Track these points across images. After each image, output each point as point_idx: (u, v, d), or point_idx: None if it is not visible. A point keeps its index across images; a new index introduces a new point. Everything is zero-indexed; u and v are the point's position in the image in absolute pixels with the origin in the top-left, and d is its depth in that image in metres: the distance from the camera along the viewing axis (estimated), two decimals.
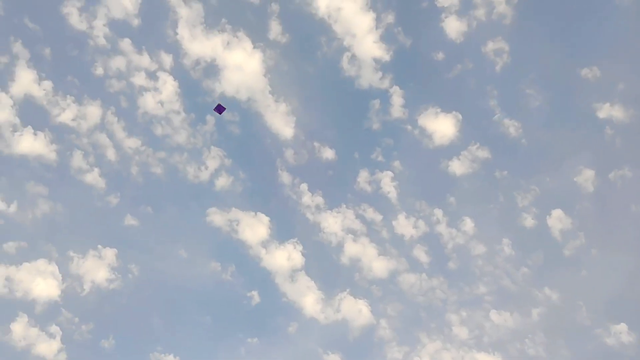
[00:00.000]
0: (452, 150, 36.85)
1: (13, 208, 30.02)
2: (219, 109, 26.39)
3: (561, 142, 36.66)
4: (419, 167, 37.52)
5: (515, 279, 34.66)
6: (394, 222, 35.68)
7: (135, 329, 30.99)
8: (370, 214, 35.82)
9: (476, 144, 36.73)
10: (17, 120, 31.29)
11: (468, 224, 35.71)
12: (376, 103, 37.38)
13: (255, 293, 32.87)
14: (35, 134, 31.59)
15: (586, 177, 35.43)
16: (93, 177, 32.38)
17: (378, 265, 34.55)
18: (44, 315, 28.94)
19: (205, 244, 34.05)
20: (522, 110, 37.21)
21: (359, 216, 35.66)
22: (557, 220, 35.30)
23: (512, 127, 36.51)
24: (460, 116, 37.02)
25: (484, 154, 36.66)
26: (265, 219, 34.36)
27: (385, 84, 37.33)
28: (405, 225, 35.64)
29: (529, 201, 35.99)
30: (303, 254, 34.07)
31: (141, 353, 29.97)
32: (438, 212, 36.08)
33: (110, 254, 31.26)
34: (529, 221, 35.60)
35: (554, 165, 36.78)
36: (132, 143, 33.85)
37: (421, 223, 35.77)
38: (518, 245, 35.45)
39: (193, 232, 34.12)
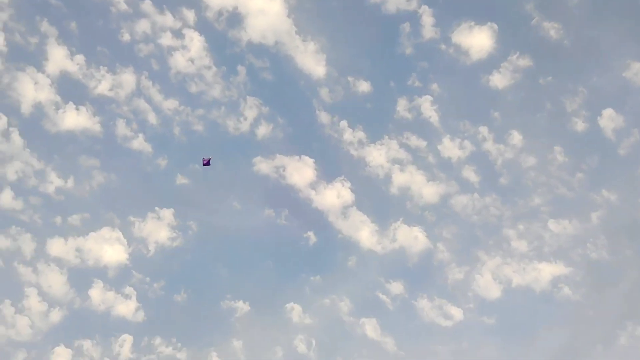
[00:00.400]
0: (491, 63, 35.68)
1: (70, 183, 31.35)
2: (205, 161, 26.98)
3: (606, 38, 34.82)
4: (458, 87, 36.62)
5: (571, 186, 34.03)
6: (439, 147, 35.29)
7: (203, 280, 32.46)
8: (414, 141, 35.49)
9: (516, 53, 35.38)
10: (58, 98, 32.17)
11: (516, 137, 34.94)
12: (406, 27, 36.27)
13: (311, 234, 33.61)
14: (77, 109, 32.46)
15: (636, 71, 33.73)
16: (139, 143, 33.25)
17: (428, 191, 34.52)
18: (117, 279, 30.65)
19: (256, 193, 34.84)
20: (561, 10, 35.37)
21: (402, 145, 35.44)
22: (609, 119, 34.05)
23: (552, 29, 34.84)
24: (495, 26, 35.56)
25: (525, 62, 35.32)
26: (309, 161, 34.66)
27: (413, 5, 36.05)
28: (451, 148, 35.20)
29: (578, 104, 34.77)
30: (352, 190, 34.38)
31: (212, 302, 31.49)
32: (483, 130, 35.40)
33: (168, 214, 32.43)
34: (579, 125, 34.51)
35: (601, 63, 35.16)
36: (170, 104, 34.36)
37: (467, 143, 35.23)
38: (570, 151, 34.59)
39: (242, 183, 34.87)
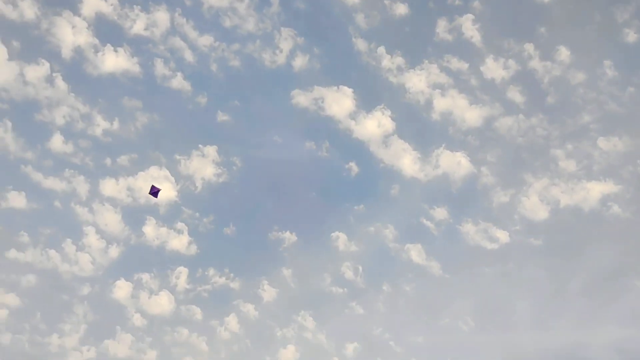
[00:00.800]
0: None
1: (116, 125, 32.11)
2: (154, 191, 26.27)
3: None
4: (500, 2, 34.90)
5: (622, 101, 32.60)
6: (481, 68, 34.14)
7: (250, 213, 33.40)
8: (455, 64, 34.40)
9: None
10: (96, 41, 32.44)
11: (563, 53, 33.36)
12: None
13: (352, 164, 33.72)
14: (115, 51, 32.72)
15: None
16: (178, 82, 33.47)
17: (471, 115, 33.76)
18: (168, 215, 31.85)
19: (296, 126, 34.89)
20: None
21: (443, 69, 34.41)
22: None
23: None
24: None
25: None
26: (348, 91, 34.19)
27: None
28: (494, 69, 33.98)
29: (630, 14, 32.72)
30: (392, 119, 33.96)
31: (261, 234, 32.48)
32: (529, 47, 33.89)
33: (211, 151, 33.02)
34: (631, 36, 32.60)
35: None
36: (205, 41, 34.19)
37: (511, 62, 33.91)
38: (621, 65, 32.90)
39: (282, 117, 34.94)
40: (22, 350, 26.73)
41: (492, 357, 28.88)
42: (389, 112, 33.85)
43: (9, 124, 29.69)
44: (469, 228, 32.00)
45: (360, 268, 31.38)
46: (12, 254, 28.13)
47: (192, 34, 34.01)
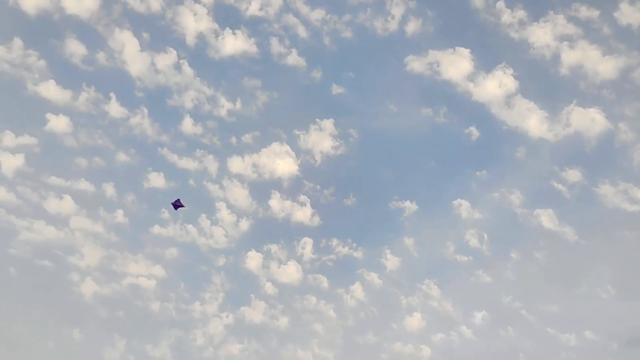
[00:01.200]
0: None
1: (238, 105, 33.69)
2: (177, 204, 25.55)
3: None
4: None
5: None
6: (615, 14, 30.99)
7: (369, 184, 33.65)
8: (584, 12, 31.53)
9: None
10: (215, 26, 34.00)
11: None
12: None
13: (473, 128, 32.50)
14: (234, 33, 34.09)
15: None
16: (293, 58, 34.18)
17: (605, 67, 30.89)
18: (291, 189, 33.03)
19: (411, 93, 34.23)
20: None
21: (571, 19, 31.69)
22: None
23: None
24: None
25: None
26: (465, 52, 32.76)
27: None
28: (630, 13, 30.71)
29: None
30: (515, 77, 32.06)
31: (380, 204, 32.64)
32: None
33: (328, 124, 33.50)
34: None
35: None
36: (317, 15, 34.44)
37: None
38: None
39: (397, 85, 34.39)
40: (170, 316, 29.54)
41: (636, 326, 26.86)
42: (510, 71, 32.05)
43: (145, 110, 32.37)
44: (606, 190, 29.69)
45: (486, 236, 30.47)
46: (156, 229, 30.96)
47: (304, 9, 34.47)
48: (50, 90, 30.38)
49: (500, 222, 30.94)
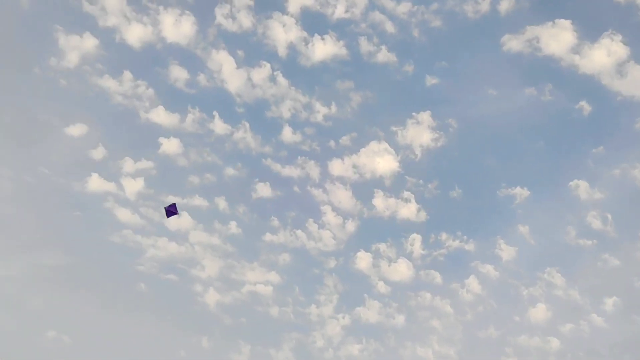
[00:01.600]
0: None
1: (333, 108, 34.06)
2: (171, 210, 24.24)
3: None
4: None
5: None
6: None
7: (475, 173, 32.63)
8: None
9: None
10: (304, 34, 34.65)
11: None
12: None
13: (583, 103, 30.46)
14: (322, 39, 34.50)
15: None
16: (383, 55, 33.94)
17: None
18: (394, 186, 32.82)
19: (511, 74, 32.76)
20: None
21: None
22: None
23: None
24: None
25: None
26: (566, 23, 30.78)
27: None
28: None
29: None
30: (624, 43, 29.66)
31: (489, 193, 31.53)
32: None
33: (425, 117, 32.91)
34: None
35: None
36: (403, 8, 34.01)
37: None
38: None
39: (494, 68, 33.08)
40: (289, 320, 30.44)
41: None
42: (619, 37, 29.70)
43: (247, 124, 33.65)
44: None
45: (610, 216, 28.41)
46: (268, 237, 32.06)
47: (390, 4, 34.16)
48: (160, 115, 32.56)
49: (625, 201, 28.79)
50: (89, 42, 31.65)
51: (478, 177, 32.39)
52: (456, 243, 30.62)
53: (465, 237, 30.56)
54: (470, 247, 30.43)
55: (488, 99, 32.40)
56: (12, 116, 30.68)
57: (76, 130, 30.94)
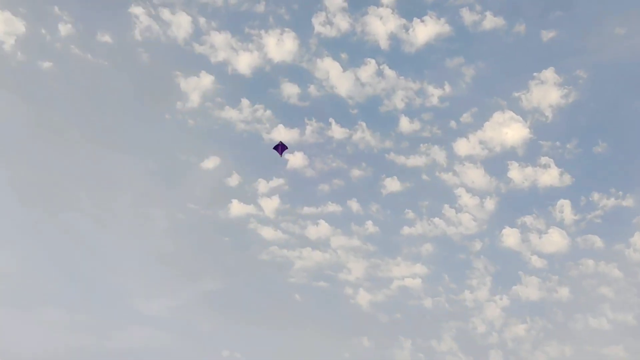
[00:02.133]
0: None
1: (447, 88, 33.04)
2: (281, 149, 22.43)
3: None
4: None
5: None
6: None
7: (618, 122, 29.99)
8: None
9: None
10: (403, 21, 34.07)
11: None
12: None
13: None
14: (422, 21, 33.66)
15: None
16: (490, 21, 32.32)
17: None
18: (528, 154, 30.99)
19: (637, 6, 29.49)
20: None
21: None
22: None
23: None
24: None
25: None
26: None
27: None
28: None
29: None
30: None
31: (639, 140, 28.66)
32: None
33: (549, 74, 30.81)
34: None
35: None
36: None
37: None
38: None
39: (617, 5, 30.26)
40: (444, 309, 29.93)
41: None
42: None
43: (363, 124, 33.83)
44: None
45: None
46: (406, 230, 31.86)
47: None
48: (281, 133, 33.91)
49: None
50: (206, 80, 34.00)
51: (623, 126, 29.65)
52: (611, 201, 28.21)
53: (620, 192, 28.10)
54: (628, 202, 27.88)
55: (616, 39, 29.63)
56: (157, 162, 33.91)
57: (210, 163, 33.32)
